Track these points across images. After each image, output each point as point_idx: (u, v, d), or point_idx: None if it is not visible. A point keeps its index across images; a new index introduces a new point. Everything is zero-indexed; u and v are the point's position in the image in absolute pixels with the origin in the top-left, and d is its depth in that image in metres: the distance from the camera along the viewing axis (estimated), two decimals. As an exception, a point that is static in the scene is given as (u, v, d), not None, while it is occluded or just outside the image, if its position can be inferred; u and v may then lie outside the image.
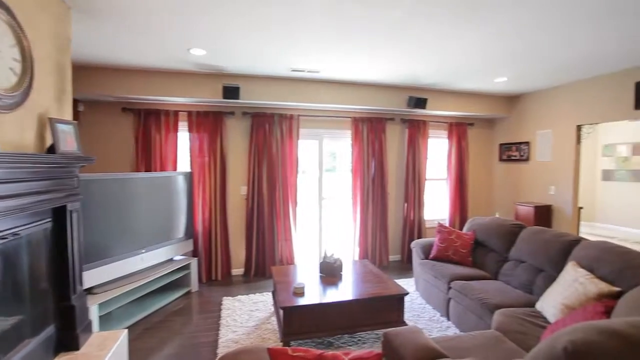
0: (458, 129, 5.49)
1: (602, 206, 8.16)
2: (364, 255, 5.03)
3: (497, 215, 5.77)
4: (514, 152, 5.39)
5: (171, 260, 3.93)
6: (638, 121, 5.99)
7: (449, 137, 5.48)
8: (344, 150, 5.31)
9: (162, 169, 4.24)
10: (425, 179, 5.32)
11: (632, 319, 1.26)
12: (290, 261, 4.76)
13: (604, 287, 2.10)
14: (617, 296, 2.03)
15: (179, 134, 4.37)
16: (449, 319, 3.23)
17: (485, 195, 5.91)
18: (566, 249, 2.74)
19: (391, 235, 5.32)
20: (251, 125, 4.57)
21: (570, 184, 4.51)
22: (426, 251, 3.84)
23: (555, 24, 2.65)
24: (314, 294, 2.84)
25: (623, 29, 2.75)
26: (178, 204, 3.97)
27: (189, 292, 4.01)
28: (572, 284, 2.27)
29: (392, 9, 2.42)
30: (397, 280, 4.38)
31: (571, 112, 4.51)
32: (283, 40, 3.06)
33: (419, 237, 5.27)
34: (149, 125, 4.20)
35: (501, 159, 5.66)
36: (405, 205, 5.25)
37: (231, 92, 4.05)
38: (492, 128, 5.88)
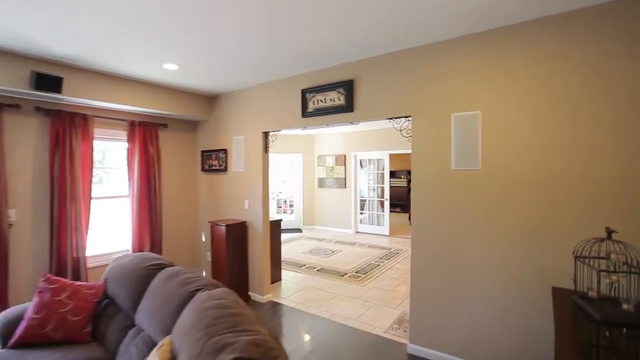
0: (144, 130, 4.19)
1: (319, 210, 9.10)
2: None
3: (203, 239, 4.87)
4: (214, 161, 4.62)
5: None
6: (343, 130, 6.51)
7: (131, 139, 4.09)
8: None
9: None
10: (91, 198, 3.71)
11: None
12: None
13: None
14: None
15: None
16: None
17: (189, 215, 4.90)
18: (182, 308, 1.83)
19: (20, 291, 3.35)
20: None
21: (260, 196, 4.06)
22: (13, 330, 2.22)
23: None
24: None
25: (273, 33, 2.16)
26: None
27: None
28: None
29: None
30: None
31: (257, 117, 4.08)
32: None
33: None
34: None
35: (203, 169, 4.80)
36: (53, 241, 3.43)
37: None
38: (195, 132, 4.96)
